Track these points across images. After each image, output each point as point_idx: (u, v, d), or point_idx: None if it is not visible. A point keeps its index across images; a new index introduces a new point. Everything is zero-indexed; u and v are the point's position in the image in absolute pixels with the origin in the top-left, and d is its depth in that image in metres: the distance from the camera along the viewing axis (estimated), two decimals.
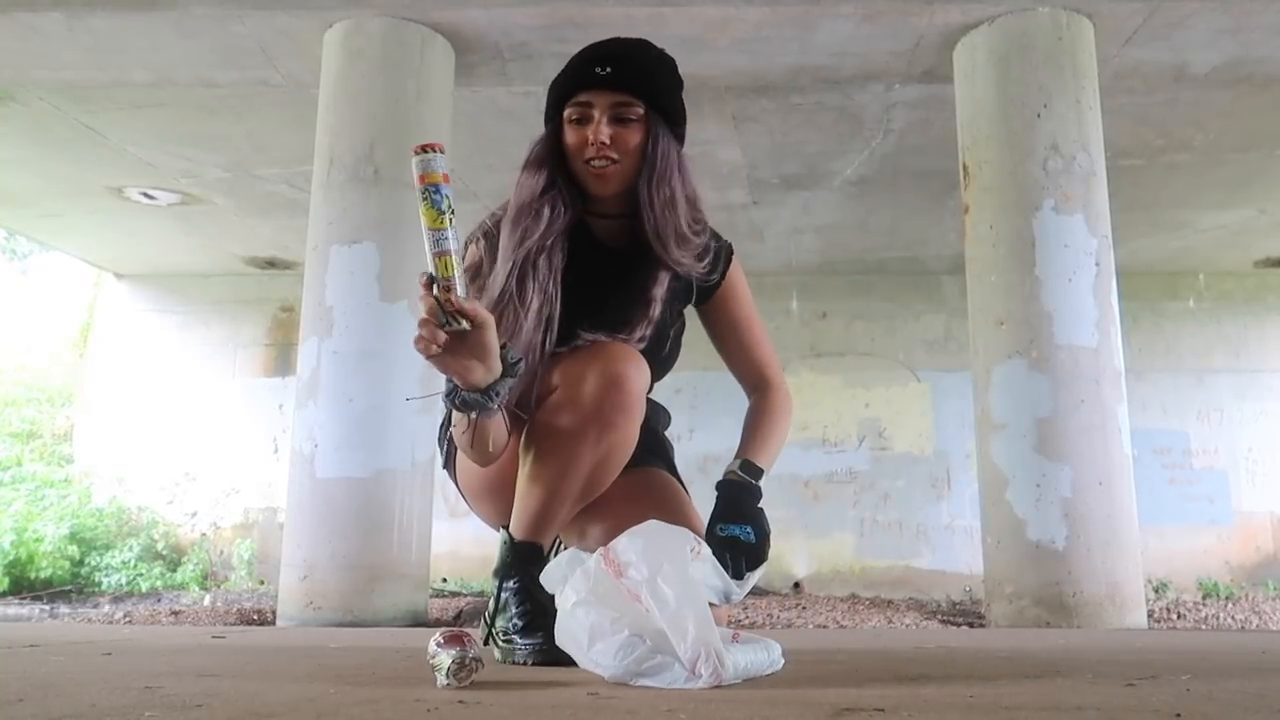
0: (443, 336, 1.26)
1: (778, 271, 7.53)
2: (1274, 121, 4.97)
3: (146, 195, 6.17)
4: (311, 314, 3.85)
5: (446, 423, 1.64)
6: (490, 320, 1.29)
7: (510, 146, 5.12)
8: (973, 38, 3.98)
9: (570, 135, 1.55)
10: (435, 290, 1.24)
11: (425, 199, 1.24)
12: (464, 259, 1.41)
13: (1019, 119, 3.83)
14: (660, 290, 1.58)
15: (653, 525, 1.27)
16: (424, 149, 1.24)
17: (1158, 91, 4.59)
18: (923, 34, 4.01)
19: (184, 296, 7.92)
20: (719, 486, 1.56)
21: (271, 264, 7.60)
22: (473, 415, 1.37)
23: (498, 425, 1.45)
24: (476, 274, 1.56)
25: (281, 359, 7.66)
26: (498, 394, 1.34)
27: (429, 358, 1.27)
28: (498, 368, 1.32)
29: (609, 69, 1.52)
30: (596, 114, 1.52)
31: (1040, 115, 3.80)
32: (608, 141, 1.51)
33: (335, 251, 3.82)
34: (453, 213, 1.24)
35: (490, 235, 1.58)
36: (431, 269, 1.24)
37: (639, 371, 1.50)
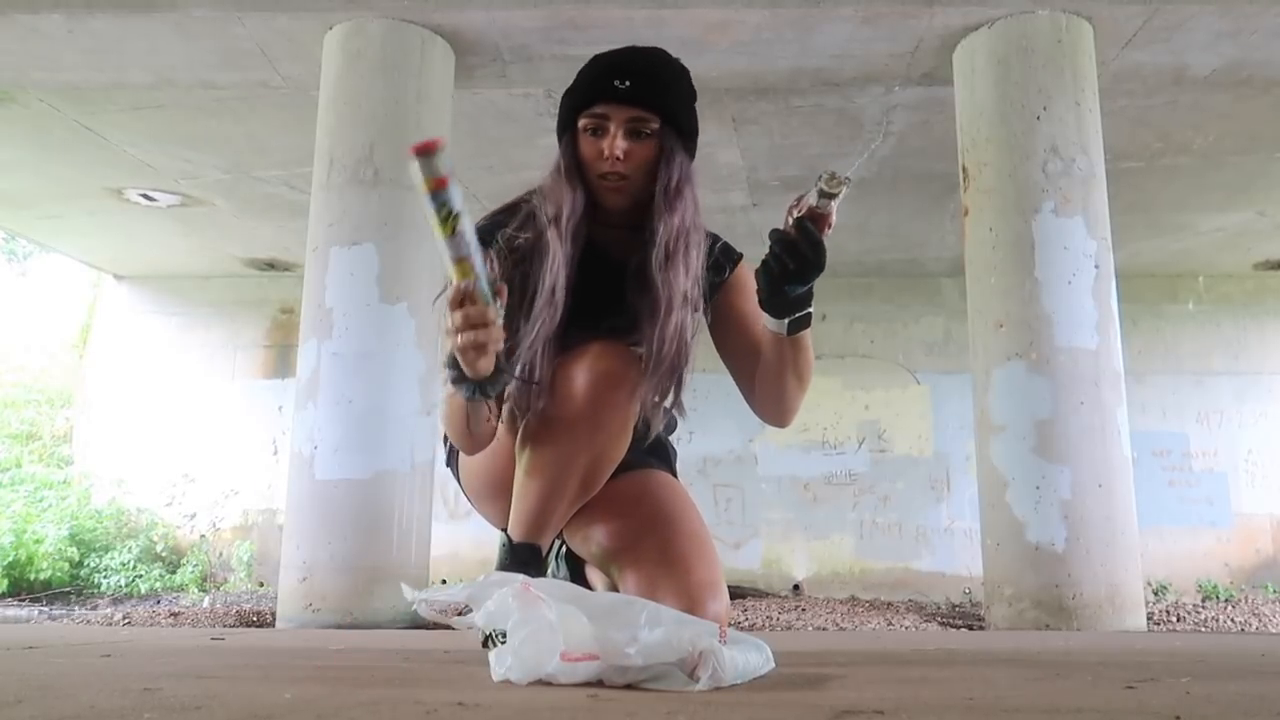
0: (493, 314, 1.28)
1: None
2: (1274, 124, 4.98)
3: (146, 197, 6.17)
4: (311, 315, 3.85)
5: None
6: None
7: (510, 148, 5.13)
8: (972, 40, 3.99)
9: (585, 146, 1.55)
10: (464, 292, 1.26)
11: (431, 207, 1.19)
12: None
13: (1018, 121, 3.83)
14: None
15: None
16: (421, 150, 1.17)
17: (1157, 94, 4.59)
18: (922, 36, 4.02)
19: (183, 298, 7.92)
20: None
21: (271, 265, 7.60)
22: (472, 396, 1.39)
23: (481, 411, 1.47)
24: None
25: (281, 360, 7.66)
26: (495, 386, 1.38)
27: (467, 339, 1.29)
28: (491, 366, 1.35)
29: (628, 83, 1.52)
30: (612, 127, 1.52)
31: (1040, 118, 3.81)
32: (621, 156, 1.51)
33: (335, 253, 3.82)
34: (459, 213, 1.20)
35: (502, 255, 1.55)
36: (454, 277, 1.25)
37: (629, 367, 1.49)
